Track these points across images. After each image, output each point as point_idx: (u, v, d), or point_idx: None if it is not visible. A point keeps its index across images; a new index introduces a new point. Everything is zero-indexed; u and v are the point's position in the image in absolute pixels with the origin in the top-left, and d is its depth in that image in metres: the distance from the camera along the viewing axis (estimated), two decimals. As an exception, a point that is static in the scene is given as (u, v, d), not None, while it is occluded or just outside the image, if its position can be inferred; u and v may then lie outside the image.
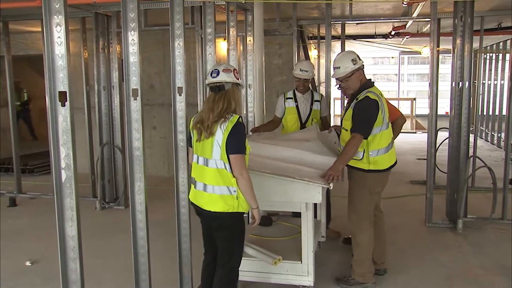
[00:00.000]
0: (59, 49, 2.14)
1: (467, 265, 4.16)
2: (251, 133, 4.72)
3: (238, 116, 2.74)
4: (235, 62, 4.87)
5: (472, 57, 5.02)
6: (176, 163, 3.36)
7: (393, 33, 8.94)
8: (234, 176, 2.71)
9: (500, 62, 10.72)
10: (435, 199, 5.25)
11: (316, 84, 8.19)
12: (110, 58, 6.16)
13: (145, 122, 3.05)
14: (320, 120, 4.78)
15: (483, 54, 11.27)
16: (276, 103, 4.90)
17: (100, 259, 4.38)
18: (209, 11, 3.89)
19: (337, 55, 3.72)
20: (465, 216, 5.09)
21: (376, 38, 9.61)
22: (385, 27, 9.09)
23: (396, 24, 8.53)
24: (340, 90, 3.96)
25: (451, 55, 5.21)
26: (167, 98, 7.74)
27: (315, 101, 4.78)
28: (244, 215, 2.89)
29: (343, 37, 7.63)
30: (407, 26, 8.10)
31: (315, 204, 3.90)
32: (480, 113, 11.95)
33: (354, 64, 3.54)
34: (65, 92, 2.13)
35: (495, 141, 11.07)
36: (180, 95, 3.27)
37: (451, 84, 5.17)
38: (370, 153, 3.51)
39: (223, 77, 2.75)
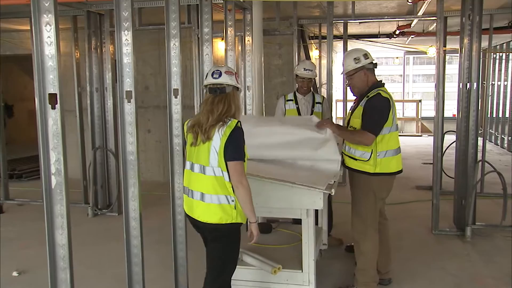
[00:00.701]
0: (49, 50, 2.13)
1: (476, 275, 4.15)
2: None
3: (237, 121, 2.66)
4: (233, 63, 4.88)
5: (481, 57, 5.03)
6: (172, 168, 3.36)
7: (397, 32, 8.96)
8: (232, 185, 2.64)
9: (510, 62, 10.74)
10: (442, 206, 5.25)
11: (317, 86, 8.20)
12: (103, 58, 6.17)
13: (140, 125, 3.06)
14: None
15: (492, 53, 11.26)
16: (275, 106, 4.90)
17: (92, 268, 4.37)
18: (206, 10, 3.90)
19: (346, 52, 3.76)
20: (474, 224, 5.08)
21: (380, 37, 9.63)
22: (389, 26, 9.11)
23: (400, 23, 8.55)
24: (351, 91, 4.03)
25: (458, 55, 5.22)
26: (163, 100, 7.73)
27: (317, 103, 4.79)
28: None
29: (345, 37, 7.66)
30: (412, 25, 8.12)
31: (316, 211, 3.89)
32: (489, 115, 11.94)
33: (356, 63, 3.57)
34: (56, 94, 2.13)
35: (505, 145, 11.09)
36: (176, 97, 3.27)
37: (459, 85, 5.17)
38: (378, 154, 3.52)
39: (225, 79, 2.70)
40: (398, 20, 8.22)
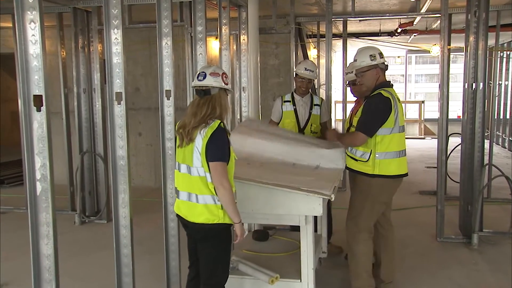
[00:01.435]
0: (34, 48, 2.12)
1: (484, 284, 4.14)
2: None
3: (220, 121, 2.76)
4: (227, 63, 4.87)
5: (487, 55, 5.04)
6: (164, 172, 3.35)
7: (399, 30, 8.99)
8: (214, 186, 2.73)
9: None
10: (446, 211, 5.25)
11: (316, 87, 8.21)
12: (91, 58, 6.15)
13: (130, 128, 3.04)
14: (320, 126, 4.79)
15: (499, 52, 11.28)
16: (272, 108, 4.90)
17: (79, 280, 4.33)
18: (200, 8, 3.89)
19: (359, 48, 3.80)
20: (481, 230, 5.09)
21: (381, 36, 9.66)
22: (391, 24, 9.15)
23: (402, 21, 8.58)
24: (351, 92, 4.05)
25: (463, 53, 5.24)
26: (154, 102, 7.73)
27: (315, 105, 4.78)
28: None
29: (345, 35, 7.67)
30: (415, 23, 8.15)
31: (315, 217, 3.89)
32: (496, 117, 11.98)
33: (372, 60, 3.61)
34: (41, 96, 2.11)
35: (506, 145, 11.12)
36: (168, 99, 3.27)
37: (464, 86, 5.18)
38: (377, 155, 3.55)
39: (209, 81, 2.78)
40: (400, 18, 8.25)
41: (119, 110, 2.88)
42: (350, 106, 4.82)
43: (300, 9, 7.40)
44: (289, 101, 4.78)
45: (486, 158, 5.66)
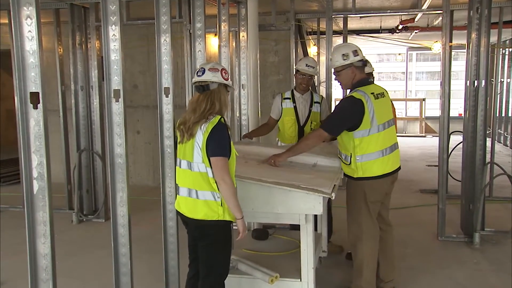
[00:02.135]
0: (30, 45, 2.10)
1: (487, 285, 4.13)
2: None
3: (220, 117, 2.79)
4: (227, 60, 4.86)
5: (489, 52, 5.02)
6: (163, 171, 3.34)
7: (400, 27, 8.97)
8: (216, 181, 2.75)
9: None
10: (448, 210, 5.24)
11: (316, 84, 8.20)
12: (89, 55, 6.13)
13: (128, 126, 3.03)
14: (320, 124, 4.78)
15: (501, 49, 11.24)
16: (271, 105, 4.89)
17: (76, 279, 4.32)
18: (199, 4, 3.87)
19: (335, 45, 3.78)
20: (482, 229, 5.08)
21: (381, 33, 9.64)
22: (392, 21, 9.13)
23: (404, 18, 8.56)
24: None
25: (464, 51, 5.23)
26: (152, 100, 7.71)
27: (315, 102, 4.78)
28: (235, 227, 2.88)
29: (345, 32, 7.66)
30: (416, 20, 8.13)
31: (315, 216, 3.88)
32: (497, 115, 11.94)
33: (345, 59, 3.58)
34: (37, 93, 2.10)
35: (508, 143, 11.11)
36: (166, 96, 3.26)
37: (466, 83, 5.17)
38: (357, 158, 3.55)
39: (208, 76, 2.81)
40: (402, 14, 8.22)
41: (117, 108, 2.86)
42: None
43: (300, 6, 7.38)
44: (289, 98, 4.78)
45: (488, 156, 5.65)
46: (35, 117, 2.12)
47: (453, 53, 9.09)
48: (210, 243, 2.86)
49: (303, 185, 3.22)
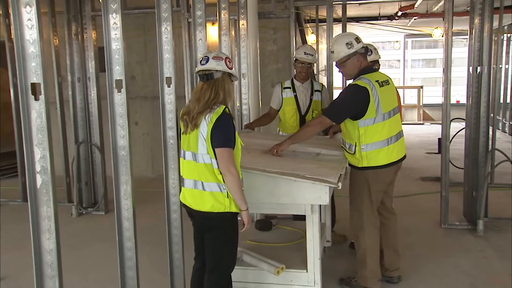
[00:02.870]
0: (30, 34, 2.03)
1: (492, 272, 4.11)
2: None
3: (224, 107, 2.75)
4: (227, 49, 4.79)
5: (493, 38, 4.97)
6: (166, 162, 3.28)
7: (399, 14, 8.90)
8: (220, 173, 2.71)
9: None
10: (450, 198, 5.21)
11: (315, 73, 8.13)
12: (85, 45, 6.04)
13: (129, 115, 2.96)
14: (322, 112, 4.73)
15: (500, 35, 11.15)
16: (271, 94, 4.84)
17: (78, 273, 4.27)
18: (199, -9, 3.79)
19: (334, 37, 3.70)
20: (486, 217, 5.06)
21: (380, 20, 9.56)
22: (390, 8, 9.06)
23: (404, 4, 8.48)
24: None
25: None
26: (150, 90, 7.63)
27: (316, 91, 4.74)
28: (239, 218, 2.85)
29: (345, 20, 7.56)
30: (416, 6, 8.05)
31: (319, 206, 3.85)
32: (500, 101, 11.87)
33: (349, 48, 3.50)
34: (39, 84, 2.03)
35: (507, 130, 11.09)
36: (169, 86, 3.19)
37: (468, 69, 5.13)
38: (362, 147, 3.50)
39: (212, 65, 2.76)
40: (402, 0, 8.12)
41: (120, 99, 2.79)
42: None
43: (298, -7, 7.29)
44: (289, 88, 4.73)
45: (490, 143, 5.61)
46: (37, 109, 2.05)
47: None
48: (217, 235, 2.83)
49: (309, 175, 3.19)
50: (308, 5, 7.96)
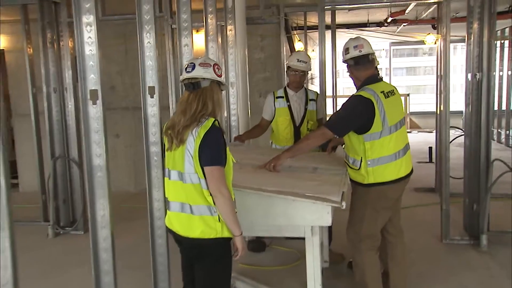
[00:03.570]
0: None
1: (501, 291, 3.87)
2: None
3: (214, 119, 2.46)
4: (215, 56, 4.51)
5: (491, 44, 4.81)
6: (149, 182, 2.95)
7: (389, 20, 8.73)
8: (210, 194, 2.42)
9: (506, 50, 10.58)
10: (449, 211, 4.96)
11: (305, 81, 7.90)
12: (61, 54, 5.70)
13: (107, 130, 2.62)
14: (317, 123, 4.49)
15: (493, 41, 11.03)
16: (263, 104, 4.58)
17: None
18: (183, -8, 3.49)
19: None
20: (488, 230, 4.82)
21: (369, 26, 9.39)
22: (379, 14, 8.89)
23: (395, 10, 8.29)
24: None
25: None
26: (132, 101, 7.28)
27: (310, 100, 4.52)
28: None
29: (334, 26, 7.34)
30: (407, 12, 7.87)
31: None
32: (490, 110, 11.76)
33: (346, 54, 3.39)
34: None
35: (503, 140, 10.98)
36: (152, 96, 2.87)
37: (466, 76, 4.95)
38: (369, 163, 3.27)
39: (199, 72, 2.47)
40: (394, 4, 7.89)
41: (95, 112, 2.45)
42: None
43: (285, -1, 7.04)
44: (282, 97, 4.48)
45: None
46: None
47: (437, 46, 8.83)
48: (208, 266, 2.53)
49: (309, 193, 2.90)
50: (297, 11, 7.74)
